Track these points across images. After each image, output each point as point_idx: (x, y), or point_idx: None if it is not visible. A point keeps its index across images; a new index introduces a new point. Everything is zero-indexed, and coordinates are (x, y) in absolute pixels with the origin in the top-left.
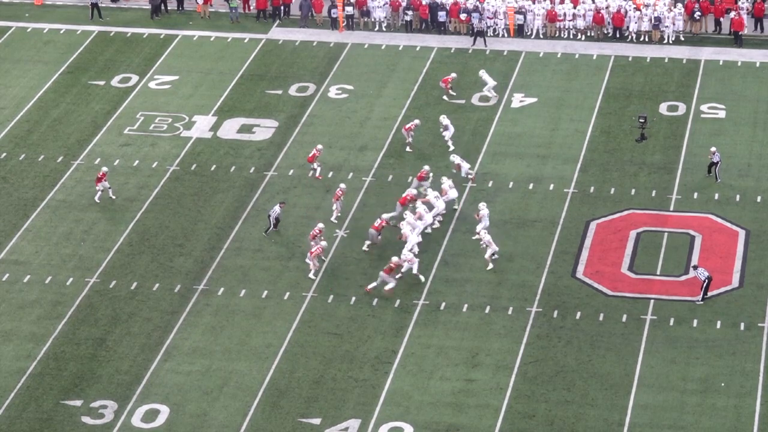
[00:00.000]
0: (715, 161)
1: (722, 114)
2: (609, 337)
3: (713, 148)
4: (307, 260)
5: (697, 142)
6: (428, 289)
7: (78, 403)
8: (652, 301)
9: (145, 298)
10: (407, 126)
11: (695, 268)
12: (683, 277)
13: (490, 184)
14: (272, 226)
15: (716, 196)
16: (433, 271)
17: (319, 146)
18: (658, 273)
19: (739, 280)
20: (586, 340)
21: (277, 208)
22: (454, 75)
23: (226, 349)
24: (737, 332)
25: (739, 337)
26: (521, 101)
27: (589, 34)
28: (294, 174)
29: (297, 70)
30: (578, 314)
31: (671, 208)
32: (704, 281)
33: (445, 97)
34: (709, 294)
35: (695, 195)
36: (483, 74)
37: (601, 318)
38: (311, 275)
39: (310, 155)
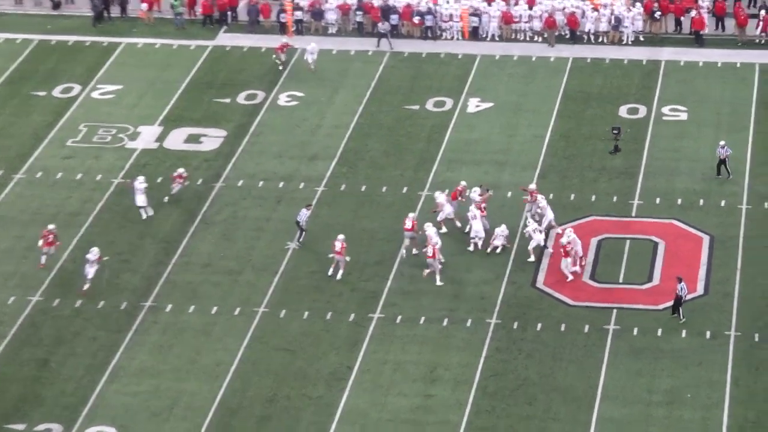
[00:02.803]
0: (724, 156)
1: (684, 116)
2: (571, 349)
3: (722, 142)
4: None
5: (658, 145)
6: (384, 302)
7: (21, 426)
8: (614, 310)
9: (90, 316)
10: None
11: (679, 280)
12: (646, 286)
13: (446, 193)
14: (301, 234)
15: (679, 201)
16: (389, 283)
17: (463, 183)
18: (620, 281)
19: (704, 287)
20: (548, 352)
21: (304, 213)
22: (285, 40)
23: (175, 369)
24: (703, 341)
25: (705, 346)
26: (477, 106)
27: (544, 36)
28: (244, 185)
29: (246, 77)
30: (539, 325)
31: (633, 214)
32: (680, 297)
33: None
34: (675, 305)
35: (657, 200)
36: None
37: (562, 329)
38: (438, 281)
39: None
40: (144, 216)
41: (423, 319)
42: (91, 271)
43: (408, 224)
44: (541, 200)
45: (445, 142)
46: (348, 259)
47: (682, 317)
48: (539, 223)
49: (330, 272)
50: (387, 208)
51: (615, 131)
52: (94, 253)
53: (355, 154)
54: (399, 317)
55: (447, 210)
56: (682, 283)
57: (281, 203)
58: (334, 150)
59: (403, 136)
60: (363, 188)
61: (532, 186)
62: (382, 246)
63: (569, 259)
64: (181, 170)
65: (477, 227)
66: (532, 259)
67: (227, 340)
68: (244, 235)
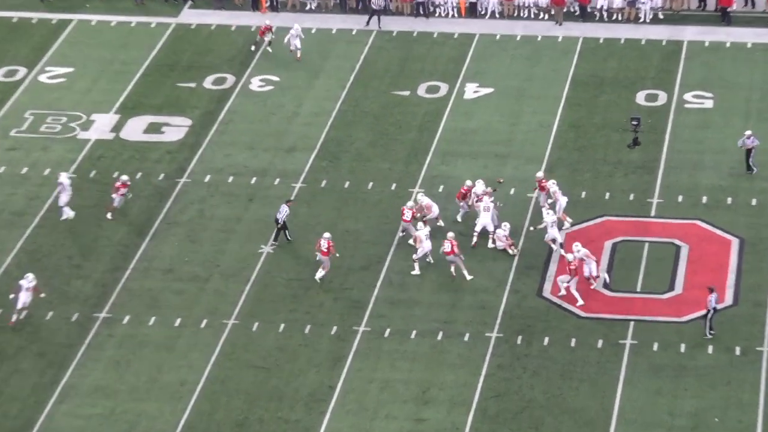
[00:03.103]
0: (750, 147)
1: (709, 103)
2: (582, 366)
3: (748, 132)
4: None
5: (680, 136)
6: (370, 313)
7: None
8: (632, 323)
9: (37, 329)
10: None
11: (711, 291)
12: (667, 295)
13: (440, 189)
14: (280, 230)
15: (704, 199)
16: (376, 292)
17: (468, 183)
18: (638, 290)
19: (733, 296)
20: (556, 370)
21: (284, 209)
22: (268, 22)
23: (134, 388)
24: (732, 358)
25: (735, 363)
26: (475, 92)
27: (551, 13)
28: (211, 180)
29: (213, 58)
30: (546, 340)
31: (652, 214)
32: (711, 311)
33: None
34: (701, 312)
35: (680, 198)
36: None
37: (572, 344)
38: (466, 275)
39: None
40: (63, 217)
41: (415, 332)
42: (22, 300)
43: (407, 214)
44: (552, 185)
45: (440, 132)
46: (337, 254)
47: (709, 333)
48: (554, 211)
49: (319, 276)
50: (374, 207)
51: (634, 122)
52: (29, 280)
53: (337, 146)
54: (387, 330)
55: (435, 211)
56: (714, 294)
57: (254, 201)
58: (313, 141)
59: (392, 126)
60: (346, 184)
61: (540, 174)
62: (367, 249)
63: (569, 276)
64: (124, 178)
65: (485, 220)
66: (556, 247)
67: (192, 355)
68: (211, 237)
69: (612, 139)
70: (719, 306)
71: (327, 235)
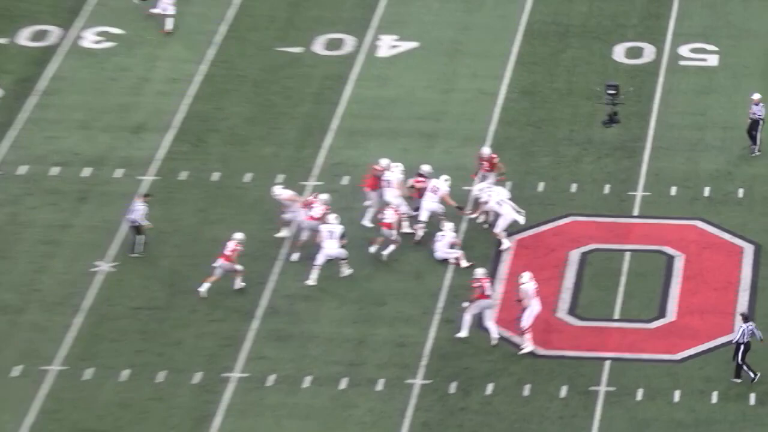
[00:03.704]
0: (758, 117)
1: (713, 60)
2: (540, 423)
3: (756, 95)
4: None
5: (673, 105)
6: (248, 353)
7: None
8: (607, 362)
9: None
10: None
11: (746, 319)
12: (656, 323)
13: (344, 182)
14: (136, 236)
15: (706, 191)
16: (255, 324)
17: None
18: (615, 317)
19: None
20: (504, 428)
21: (139, 208)
22: None
23: None
24: (745, 409)
25: (749, 416)
26: (393, 47)
27: None
28: (29, 173)
29: (30, 4)
30: (490, 387)
31: (635, 213)
32: (741, 345)
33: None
34: (702, 347)
35: (672, 190)
36: None
37: (526, 392)
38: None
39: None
40: None
41: (309, 379)
42: None
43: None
44: (486, 191)
45: (344, 103)
46: (239, 267)
47: (753, 375)
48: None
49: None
50: (252, 207)
51: (610, 91)
52: None
53: (203, 123)
54: (271, 376)
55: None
56: (747, 325)
57: (87, 201)
58: (170, 117)
59: (278, 95)
60: (215, 176)
61: (486, 150)
62: (245, 266)
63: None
64: None
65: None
66: (506, 245)
67: (3, 416)
68: (28, 252)
69: (580, 110)
70: (724, 338)
71: (239, 236)
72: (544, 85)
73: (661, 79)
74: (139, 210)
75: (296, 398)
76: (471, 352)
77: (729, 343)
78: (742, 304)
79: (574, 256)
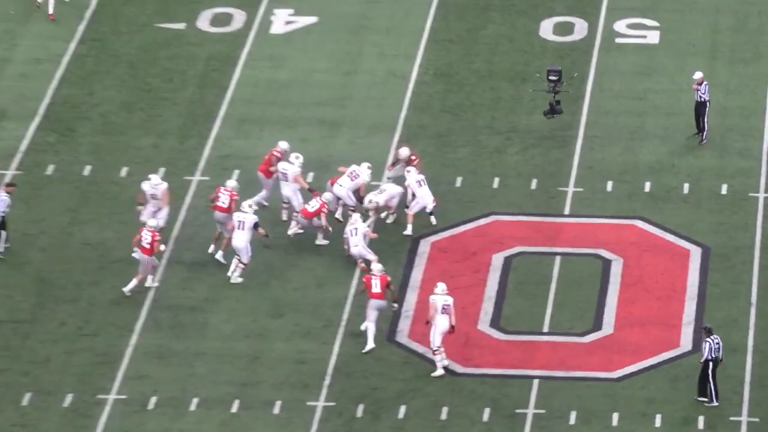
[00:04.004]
0: (701, 98)
1: (654, 37)
2: None
3: (698, 74)
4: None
5: (609, 88)
6: (125, 372)
7: None
8: (535, 381)
9: None
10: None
11: (708, 332)
12: (590, 337)
13: (234, 177)
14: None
15: (647, 187)
16: (134, 338)
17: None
18: (545, 330)
19: (692, 338)
20: None
21: (3, 199)
22: None
23: None
24: None
25: None
26: (289, 23)
27: None
28: None
29: None
30: (402, 410)
31: (566, 211)
32: (707, 361)
33: None
34: (644, 363)
35: (609, 185)
36: None
37: (443, 415)
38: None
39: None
40: None
41: (196, 400)
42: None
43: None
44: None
45: (232, 86)
46: (162, 248)
47: (715, 399)
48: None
49: (130, 288)
50: (129, 205)
51: (552, 77)
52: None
53: (72, 110)
54: (152, 398)
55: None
56: (713, 338)
57: None
58: (34, 103)
59: (158, 78)
60: (86, 170)
61: (405, 150)
62: (122, 271)
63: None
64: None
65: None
66: (409, 231)
67: None
68: None
69: (503, 94)
70: (668, 353)
71: (153, 223)
72: (461, 66)
73: (594, 59)
74: (2, 201)
75: (181, 423)
76: (380, 370)
77: (674, 359)
78: (689, 314)
79: (498, 260)
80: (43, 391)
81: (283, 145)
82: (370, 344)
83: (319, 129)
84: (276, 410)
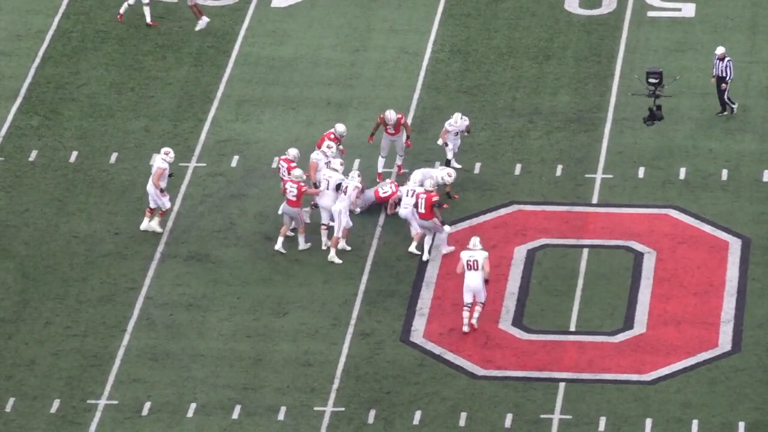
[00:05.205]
0: (723, 75)
1: (689, 10)
2: None
3: (720, 49)
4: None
5: (640, 66)
6: (116, 375)
7: None
8: (562, 384)
9: None
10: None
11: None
12: (621, 336)
13: (233, 163)
14: None
15: (681, 174)
16: (126, 338)
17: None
18: (572, 329)
19: (732, 338)
20: None
21: None
22: None
23: None
24: None
25: None
26: None
27: None
28: None
29: None
30: (417, 416)
31: (594, 200)
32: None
33: None
34: (679, 365)
35: (640, 171)
36: None
37: (462, 421)
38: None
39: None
40: None
41: (194, 406)
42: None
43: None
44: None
45: (230, 65)
46: (305, 214)
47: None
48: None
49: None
50: (121, 195)
51: (653, 81)
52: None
53: (56, 91)
54: (147, 404)
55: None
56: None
57: None
58: (14, 83)
59: (149, 55)
60: (72, 156)
61: (391, 114)
62: (112, 267)
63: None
64: None
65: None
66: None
67: None
68: None
69: (524, 73)
70: (706, 353)
71: (298, 173)
72: (479, 42)
73: (624, 35)
74: None
75: (178, 430)
76: (393, 373)
77: (712, 360)
78: (728, 311)
79: (520, 253)
80: (28, 395)
81: (292, 153)
82: (426, 256)
83: (324, 111)
84: (280, 416)
